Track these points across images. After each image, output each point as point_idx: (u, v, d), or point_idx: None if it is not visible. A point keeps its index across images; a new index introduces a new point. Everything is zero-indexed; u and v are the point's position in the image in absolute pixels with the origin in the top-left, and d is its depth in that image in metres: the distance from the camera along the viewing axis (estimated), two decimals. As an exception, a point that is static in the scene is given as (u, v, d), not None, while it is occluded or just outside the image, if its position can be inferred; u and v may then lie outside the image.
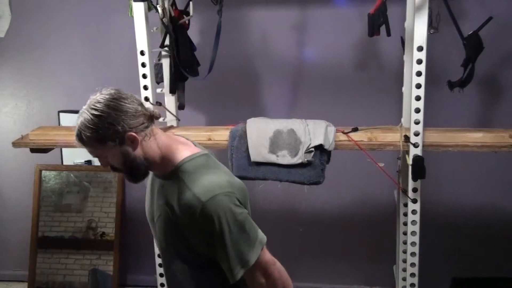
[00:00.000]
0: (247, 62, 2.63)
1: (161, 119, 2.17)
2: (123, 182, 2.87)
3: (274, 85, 2.64)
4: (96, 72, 2.77)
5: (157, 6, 2.01)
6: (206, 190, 1.27)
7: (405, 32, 2.00)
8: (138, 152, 1.30)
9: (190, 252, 1.34)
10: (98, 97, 1.29)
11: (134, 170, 1.32)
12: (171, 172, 1.34)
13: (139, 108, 1.30)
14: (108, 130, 1.25)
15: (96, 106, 1.26)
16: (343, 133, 1.97)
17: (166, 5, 2.03)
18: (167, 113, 2.23)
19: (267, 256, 1.37)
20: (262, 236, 1.37)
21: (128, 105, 1.28)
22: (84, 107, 1.28)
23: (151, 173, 1.41)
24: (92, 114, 1.25)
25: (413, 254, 2.00)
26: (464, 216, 2.65)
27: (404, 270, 2.10)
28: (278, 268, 1.41)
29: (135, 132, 1.27)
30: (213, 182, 1.29)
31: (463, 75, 1.95)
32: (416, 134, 1.88)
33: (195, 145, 1.47)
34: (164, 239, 1.39)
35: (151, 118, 1.32)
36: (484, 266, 2.69)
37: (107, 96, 1.29)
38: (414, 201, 1.95)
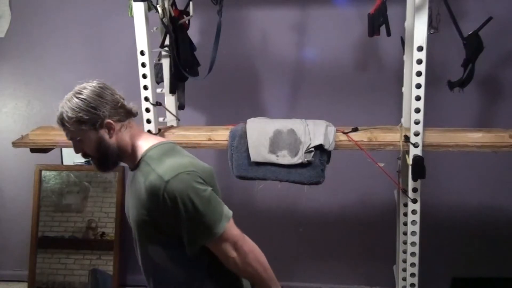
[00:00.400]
0: (247, 62, 2.63)
1: (161, 119, 2.17)
2: (123, 182, 2.87)
3: (274, 85, 2.64)
4: (96, 72, 2.74)
5: (157, 6, 2.01)
6: (169, 170, 1.32)
7: (405, 32, 2.00)
8: (113, 140, 1.38)
9: (161, 234, 1.37)
10: (85, 84, 1.40)
11: (106, 158, 1.40)
12: (139, 161, 1.40)
13: (121, 101, 1.40)
14: (89, 113, 1.34)
15: (81, 91, 1.37)
16: (343, 133, 1.97)
17: (166, 5, 2.03)
18: (167, 113, 2.23)
19: (235, 230, 1.42)
20: (227, 210, 1.41)
21: (112, 96, 1.39)
22: (69, 93, 1.40)
23: (130, 172, 1.46)
24: (77, 97, 1.35)
25: (413, 254, 2.00)
26: (464, 216, 2.65)
27: (404, 270, 2.10)
28: (248, 242, 1.46)
29: (113, 121, 1.36)
30: (176, 163, 1.35)
31: (463, 75, 1.95)
32: (416, 134, 1.88)
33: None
34: (136, 226, 1.42)
35: (130, 113, 1.42)
36: (484, 266, 2.69)
37: (93, 84, 1.39)
38: (414, 201, 1.95)
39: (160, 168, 1.33)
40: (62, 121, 1.36)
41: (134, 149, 1.42)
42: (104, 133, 1.37)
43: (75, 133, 1.37)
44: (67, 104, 1.36)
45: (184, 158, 1.40)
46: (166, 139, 1.51)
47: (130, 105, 1.44)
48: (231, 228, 1.40)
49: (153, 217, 1.34)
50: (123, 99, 1.42)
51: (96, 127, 1.35)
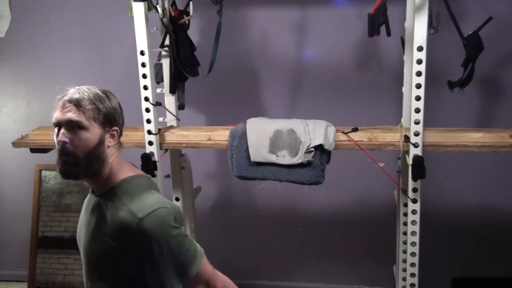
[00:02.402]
0: (247, 62, 2.63)
1: (161, 119, 2.17)
2: (123, 182, 2.87)
3: (274, 85, 2.64)
4: (96, 72, 2.77)
5: (157, 6, 2.01)
6: (143, 207, 1.24)
7: (405, 32, 2.00)
8: (105, 150, 1.28)
9: (118, 275, 1.27)
10: (99, 88, 1.34)
11: (88, 163, 1.25)
12: (110, 189, 1.30)
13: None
14: (110, 111, 1.29)
15: (106, 91, 1.33)
16: (343, 133, 1.97)
17: (166, 5, 2.03)
18: (167, 113, 2.23)
19: (208, 267, 1.35)
20: (200, 249, 1.34)
21: (120, 109, 1.35)
22: (84, 86, 1.33)
23: (89, 196, 1.38)
24: (104, 93, 1.31)
25: (413, 254, 2.00)
26: (464, 216, 2.65)
27: (404, 270, 2.10)
28: (220, 278, 1.38)
29: (118, 133, 1.32)
30: (150, 200, 1.27)
31: (463, 75, 1.95)
32: (416, 134, 1.88)
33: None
34: (89, 257, 1.32)
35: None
36: (484, 266, 2.69)
37: (111, 93, 1.35)
38: (414, 201, 1.95)
39: (132, 203, 1.25)
40: (78, 102, 1.26)
41: (110, 174, 1.31)
42: (108, 137, 1.29)
43: (83, 119, 1.24)
44: (92, 91, 1.30)
45: (159, 196, 1.32)
46: (142, 172, 1.40)
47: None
48: (205, 267, 1.33)
49: (114, 254, 1.25)
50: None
51: (105, 128, 1.27)
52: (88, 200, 1.39)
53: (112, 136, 1.30)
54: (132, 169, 1.38)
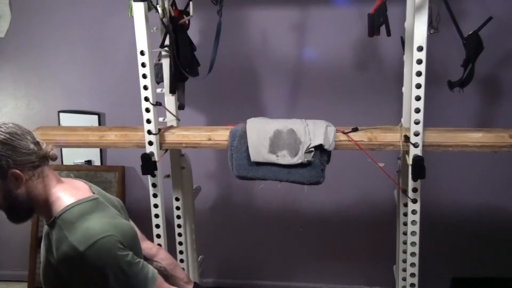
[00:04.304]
0: (247, 62, 2.63)
1: (161, 119, 2.17)
2: (123, 182, 2.87)
3: (274, 85, 2.64)
4: (96, 72, 2.77)
5: (157, 6, 2.01)
6: (84, 238, 1.20)
7: (405, 32, 2.00)
8: (21, 191, 1.25)
9: None
10: None
11: (14, 209, 1.28)
12: (52, 220, 1.28)
13: (32, 146, 1.27)
14: None
15: None
16: (343, 133, 1.97)
17: (166, 5, 2.03)
18: (167, 113, 2.23)
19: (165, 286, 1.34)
20: (152, 271, 1.31)
21: (20, 142, 1.25)
22: None
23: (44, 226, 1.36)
24: None
25: (413, 254, 2.00)
26: (464, 216, 2.65)
27: (404, 270, 2.10)
28: None
29: (20, 170, 1.23)
30: (91, 228, 1.23)
31: (463, 75, 1.95)
32: (416, 134, 1.88)
33: (91, 189, 1.41)
34: (44, 284, 1.33)
35: (45, 158, 1.30)
36: (484, 266, 2.69)
37: (1, 129, 1.25)
38: (414, 201, 1.95)
39: (74, 235, 1.21)
40: None
41: (48, 204, 1.29)
42: (10, 183, 1.23)
43: None
44: None
45: (102, 219, 1.27)
46: (88, 193, 1.35)
47: (46, 149, 1.31)
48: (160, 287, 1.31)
49: (63, 285, 1.25)
50: (35, 143, 1.29)
51: (0, 177, 1.22)
52: (44, 228, 1.37)
53: (15, 177, 1.24)
54: (73, 194, 1.33)
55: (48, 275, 1.31)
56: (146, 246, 1.60)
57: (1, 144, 1.22)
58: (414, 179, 1.91)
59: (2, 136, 1.23)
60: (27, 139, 1.27)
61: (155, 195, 2.11)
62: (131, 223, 1.46)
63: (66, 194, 1.31)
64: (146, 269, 1.31)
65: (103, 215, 1.30)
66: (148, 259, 1.56)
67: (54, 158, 1.33)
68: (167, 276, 1.60)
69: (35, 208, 1.30)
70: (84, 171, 2.92)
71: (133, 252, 1.28)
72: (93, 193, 1.39)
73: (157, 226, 2.15)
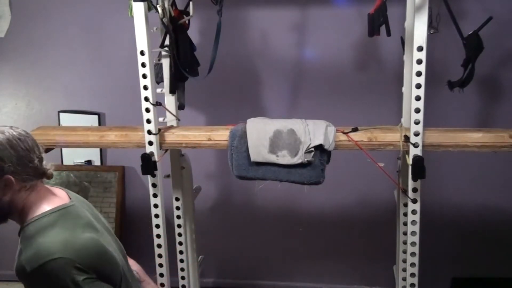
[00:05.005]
0: (247, 62, 2.63)
1: (161, 119, 2.17)
2: (123, 182, 2.87)
3: (274, 85, 2.64)
4: (96, 72, 2.77)
5: (157, 6, 2.01)
6: (33, 258, 1.18)
7: (405, 32, 2.00)
8: (5, 198, 1.25)
9: None
10: (6, 128, 1.26)
11: None
12: (20, 229, 1.29)
13: (36, 161, 1.27)
14: None
15: None
16: (343, 133, 1.97)
17: (166, 5, 2.03)
18: (167, 113, 2.23)
19: None
20: None
21: (28, 153, 1.26)
22: None
23: None
24: None
25: (413, 254, 2.00)
26: (464, 216, 2.65)
27: (404, 270, 2.10)
28: None
29: (15, 179, 1.24)
30: (43, 249, 1.19)
31: (463, 75, 1.95)
32: (416, 134, 1.88)
33: (70, 196, 1.39)
34: None
35: (41, 175, 1.30)
36: (484, 266, 2.69)
37: (14, 133, 1.25)
38: (414, 201, 1.95)
39: (27, 251, 1.20)
40: None
41: (22, 213, 1.29)
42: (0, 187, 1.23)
43: None
44: None
45: (61, 235, 1.22)
46: (60, 203, 1.32)
47: (48, 165, 1.31)
48: None
49: None
50: (40, 159, 1.29)
51: None
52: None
53: (6, 183, 1.24)
54: (49, 203, 1.31)
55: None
56: None
57: (11, 148, 1.23)
58: (414, 179, 1.91)
59: (14, 142, 1.24)
60: (34, 153, 1.28)
61: (155, 195, 2.11)
62: (105, 236, 1.38)
63: (37, 205, 1.30)
64: None
65: (64, 230, 1.26)
66: None
67: (50, 177, 1.33)
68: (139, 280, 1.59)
69: (11, 215, 1.31)
70: (84, 171, 2.92)
71: (96, 270, 1.23)
72: (70, 198, 1.37)
73: (157, 226, 2.15)
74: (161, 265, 2.20)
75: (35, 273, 1.16)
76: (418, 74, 1.82)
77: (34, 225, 1.26)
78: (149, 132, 2.05)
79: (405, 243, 2.12)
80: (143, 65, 1.99)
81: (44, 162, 1.31)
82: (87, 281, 1.19)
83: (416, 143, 1.89)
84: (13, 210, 1.29)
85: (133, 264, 1.63)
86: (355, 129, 1.99)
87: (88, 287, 1.19)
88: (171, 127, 2.22)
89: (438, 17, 1.99)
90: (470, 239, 2.66)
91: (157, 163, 2.06)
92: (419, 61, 1.81)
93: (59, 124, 2.85)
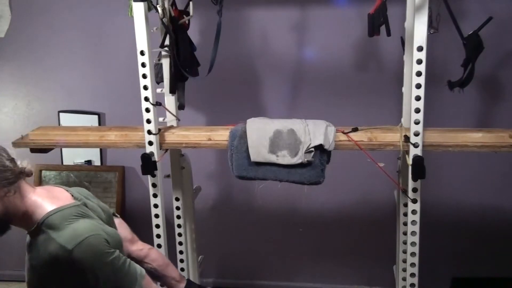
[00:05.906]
0: (247, 62, 2.63)
1: (161, 119, 2.17)
2: (123, 182, 2.87)
3: (274, 85, 2.64)
4: (96, 72, 2.77)
5: (157, 6, 2.01)
6: (72, 237, 1.23)
7: (405, 32, 2.00)
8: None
9: None
10: None
11: None
12: (35, 229, 1.30)
13: (7, 163, 1.28)
14: None
15: None
16: (343, 133, 1.97)
17: (166, 5, 2.03)
18: (167, 113, 2.23)
19: (152, 286, 1.36)
20: (140, 270, 1.34)
21: None
22: None
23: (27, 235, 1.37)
24: None
25: (413, 254, 2.00)
26: (464, 216, 2.65)
27: (404, 270, 2.10)
28: None
29: None
30: (78, 229, 1.25)
31: (463, 75, 1.95)
32: (416, 134, 1.88)
33: (73, 196, 1.42)
34: None
35: (20, 174, 1.31)
36: (484, 266, 2.69)
37: None
38: (414, 201, 1.95)
39: (61, 236, 1.24)
40: None
41: (27, 214, 1.31)
42: None
43: None
44: None
45: (88, 222, 1.30)
46: (69, 201, 1.37)
47: (21, 166, 1.33)
48: (147, 287, 1.33)
49: None
50: (10, 160, 1.30)
51: None
52: (27, 239, 1.39)
53: None
54: (55, 200, 1.35)
55: (30, 280, 1.33)
56: (137, 248, 1.63)
57: None
58: (414, 179, 1.91)
59: None
60: (2, 155, 1.29)
61: (155, 195, 2.11)
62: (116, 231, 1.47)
63: (47, 202, 1.33)
64: (133, 266, 1.33)
65: (88, 218, 1.32)
66: (139, 261, 1.57)
67: (29, 175, 1.35)
68: (158, 276, 1.62)
69: (12, 221, 1.32)
70: (84, 171, 2.92)
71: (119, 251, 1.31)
72: (76, 198, 1.40)
73: (157, 226, 2.15)
74: (161, 265, 2.20)
75: (78, 247, 1.20)
76: (418, 74, 1.82)
77: (56, 217, 1.29)
78: (149, 132, 2.05)
79: (405, 243, 2.12)
80: (143, 65, 1.99)
81: (18, 162, 1.33)
82: (119, 255, 1.28)
83: (416, 143, 1.89)
84: (13, 217, 1.30)
85: (157, 259, 1.64)
86: (355, 129, 1.99)
87: (121, 259, 1.27)
88: (171, 127, 2.22)
89: (438, 17, 1.99)
90: (470, 239, 2.66)
91: (157, 163, 2.06)
92: (419, 61, 1.81)
93: (59, 124, 2.85)
